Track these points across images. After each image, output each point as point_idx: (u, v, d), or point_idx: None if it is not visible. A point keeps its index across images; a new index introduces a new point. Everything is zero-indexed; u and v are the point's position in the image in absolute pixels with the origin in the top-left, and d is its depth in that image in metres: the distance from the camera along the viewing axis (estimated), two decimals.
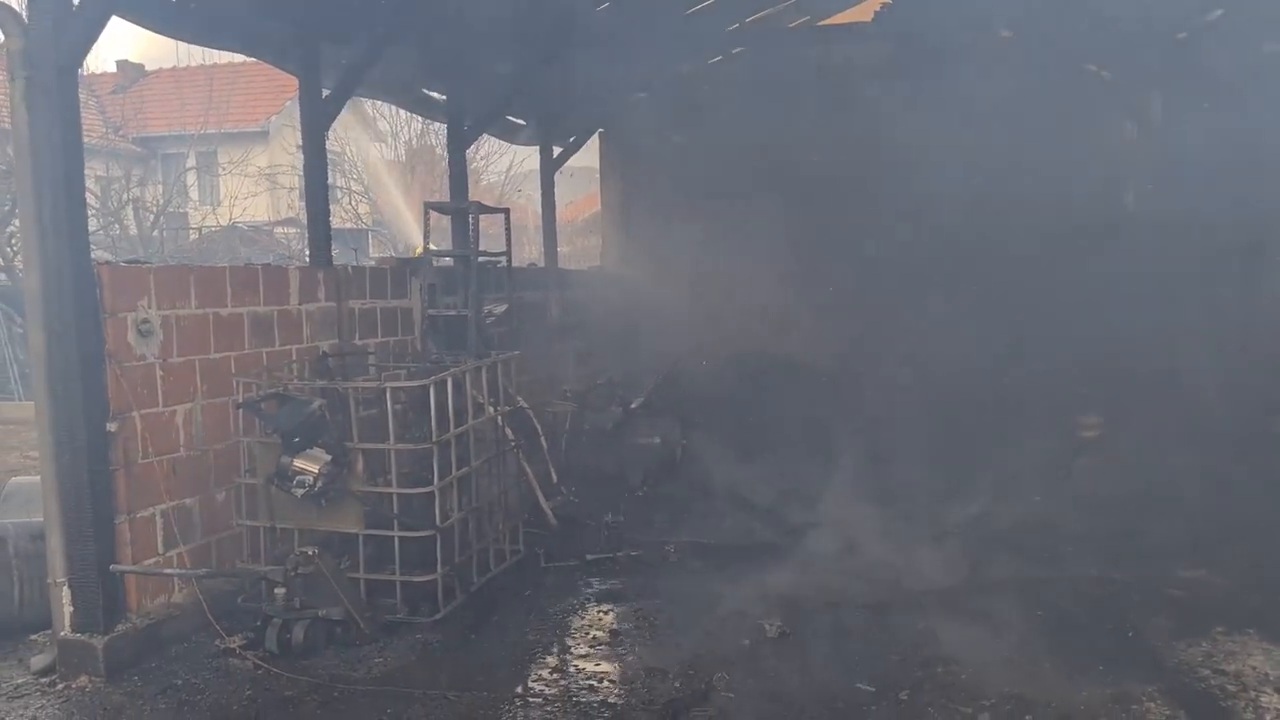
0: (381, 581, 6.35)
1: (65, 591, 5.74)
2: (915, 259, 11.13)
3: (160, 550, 6.16)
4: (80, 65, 6.00)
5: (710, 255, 12.08)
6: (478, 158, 25.59)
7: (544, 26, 9.17)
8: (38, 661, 5.82)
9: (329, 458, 6.02)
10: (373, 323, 8.24)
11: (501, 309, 9.44)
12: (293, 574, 5.89)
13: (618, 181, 13.49)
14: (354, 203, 25.31)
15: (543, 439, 8.91)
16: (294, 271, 7.41)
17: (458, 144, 9.88)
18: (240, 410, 6.33)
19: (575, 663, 5.85)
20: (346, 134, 24.28)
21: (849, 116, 11.20)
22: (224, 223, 23.12)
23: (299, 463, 5.99)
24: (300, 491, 5.99)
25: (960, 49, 9.93)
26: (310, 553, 5.95)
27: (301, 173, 9.12)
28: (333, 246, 8.19)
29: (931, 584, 6.73)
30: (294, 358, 7.15)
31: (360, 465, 6.26)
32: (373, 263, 10.16)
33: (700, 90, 12.15)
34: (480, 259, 8.83)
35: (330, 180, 9.79)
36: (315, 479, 5.98)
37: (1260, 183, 8.62)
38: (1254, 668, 5.53)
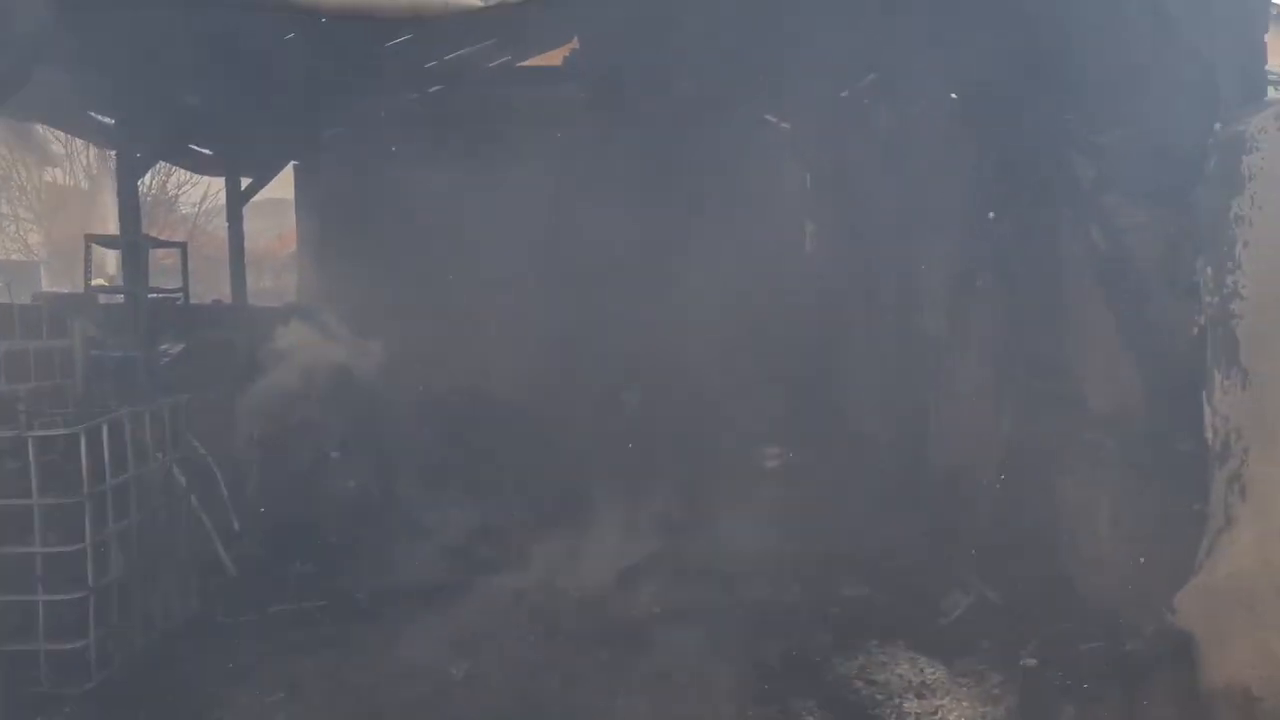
0: (23, 652, 5.75)
1: None
2: (618, 299, 11.42)
3: None
4: None
5: (415, 295, 11.91)
6: (169, 186, 24.03)
7: (225, 54, 8.74)
8: None
9: None
10: (24, 366, 7.47)
11: (178, 349, 8.86)
12: None
13: (314, 216, 13.03)
14: (23, 231, 23.05)
15: (223, 486, 8.41)
16: None
17: (128, 173, 9.23)
18: None
19: None
20: (14, 155, 22.13)
21: (547, 157, 11.42)
22: None
23: None
24: None
25: (649, 94, 10.36)
26: None
27: None
28: None
29: (615, 615, 6.91)
30: None
31: None
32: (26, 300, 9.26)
33: (398, 127, 12.00)
34: (153, 295, 8.27)
35: None
36: None
37: (909, 233, 9.52)
38: (900, 676, 6.04)
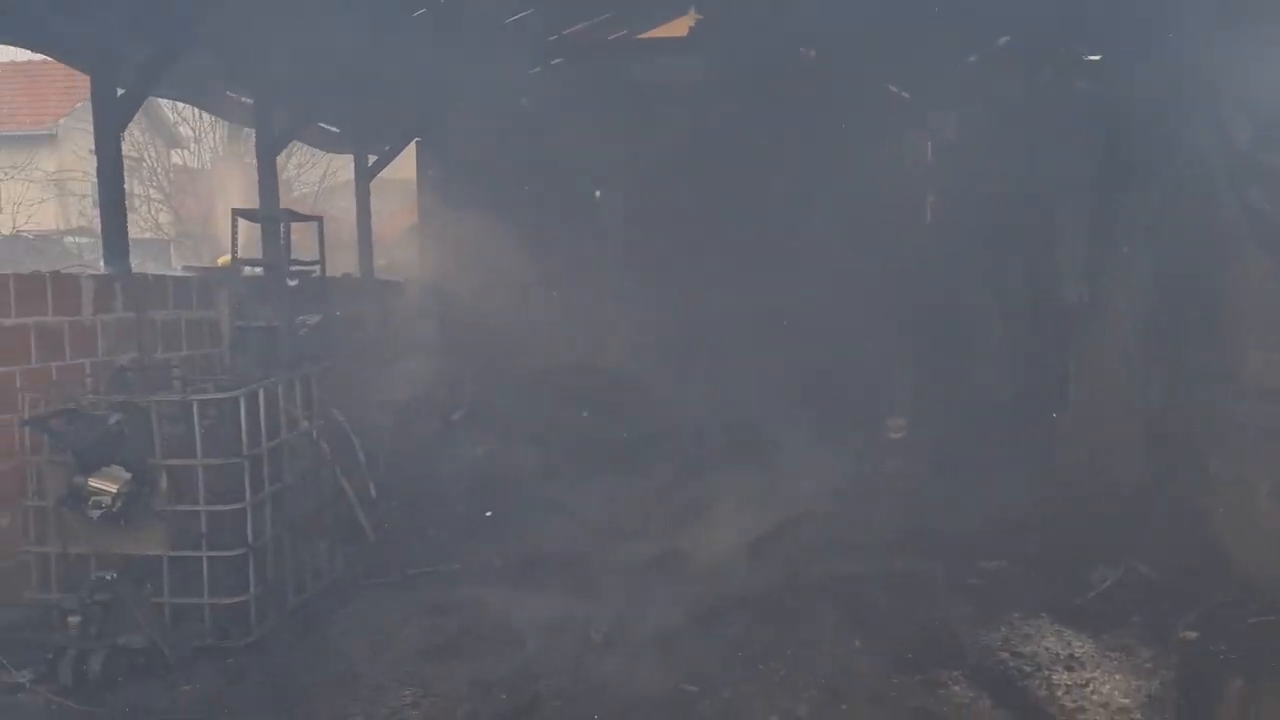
0: (189, 605, 6.03)
1: None
2: (739, 273, 11.37)
3: None
4: None
5: (535, 268, 12.06)
6: (289, 167, 24.69)
7: (357, 33, 8.95)
8: None
9: (129, 476, 5.68)
10: (177, 335, 7.82)
11: (315, 320, 9.12)
12: (89, 601, 5.52)
13: (437, 192, 13.25)
14: (154, 211, 23.96)
15: (360, 453, 8.65)
16: (87, 280, 6.96)
17: (267, 150, 9.53)
18: (27, 428, 5.90)
19: (397, 681, 5.70)
20: (145, 138, 22.99)
21: (668, 129, 11.41)
22: (6, 232, 21.45)
23: (95, 482, 5.63)
24: (96, 513, 5.62)
25: (769, 66, 10.28)
26: (108, 578, 5.59)
27: (95, 177, 8.58)
28: (132, 258, 7.76)
29: (750, 587, 6.88)
30: (88, 372, 6.71)
31: (165, 483, 5.93)
32: (177, 272, 9.66)
33: (521, 101, 12.12)
34: (292, 268, 8.52)
35: (127, 187, 9.25)
36: (114, 499, 5.63)
37: (1042, 200, 9.26)
38: (1047, 649, 5.91)
